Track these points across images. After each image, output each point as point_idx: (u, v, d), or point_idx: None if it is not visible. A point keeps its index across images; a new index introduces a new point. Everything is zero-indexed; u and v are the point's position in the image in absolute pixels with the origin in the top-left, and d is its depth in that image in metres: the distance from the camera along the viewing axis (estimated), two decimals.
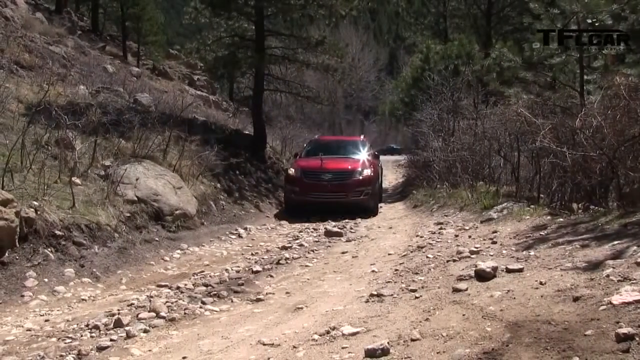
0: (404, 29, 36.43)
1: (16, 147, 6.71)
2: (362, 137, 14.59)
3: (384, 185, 20.79)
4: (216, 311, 4.42)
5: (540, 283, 3.42)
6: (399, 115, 25.02)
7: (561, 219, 5.54)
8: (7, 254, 5.14)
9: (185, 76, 31.06)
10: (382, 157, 32.58)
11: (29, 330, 4.02)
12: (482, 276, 3.86)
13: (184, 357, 3.28)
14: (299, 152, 13.57)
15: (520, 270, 3.85)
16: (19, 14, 18.91)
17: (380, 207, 12.69)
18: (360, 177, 11.25)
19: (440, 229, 7.43)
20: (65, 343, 3.65)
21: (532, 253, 4.36)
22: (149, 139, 9.86)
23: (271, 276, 5.70)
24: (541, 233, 5.16)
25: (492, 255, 4.69)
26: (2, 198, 5.10)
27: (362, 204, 11.14)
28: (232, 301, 4.73)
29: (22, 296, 4.85)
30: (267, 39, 17.09)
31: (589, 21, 9.05)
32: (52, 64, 13.36)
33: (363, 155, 12.37)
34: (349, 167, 11.58)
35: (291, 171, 11.79)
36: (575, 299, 2.97)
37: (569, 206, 6.25)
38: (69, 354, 3.42)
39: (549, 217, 5.84)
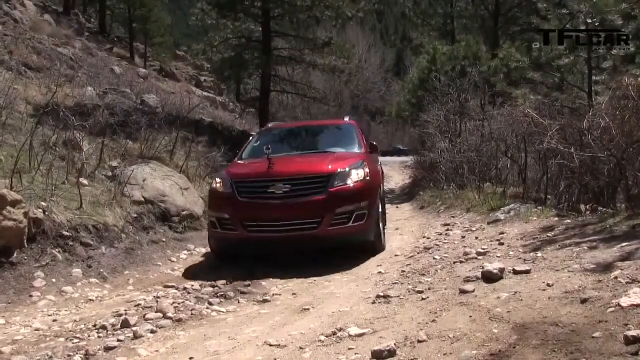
0: (411, 30, 36.39)
1: (25, 149, 6.75)
2: (347, 119, 8.63)
3: (390, 186, 20.72)
4: (223, 312, 4.42)
5: (548, 285, 3.41)
6: (406, 116, 24.97)
7: (569, 221, 5.51)
8: (15, 255, 5.17)
9: (192, 77, 31.19)
10: (389, 159, 32.30)
11: (37, 330, 4.04)
12: (489, 278, 3.85)
13: (191, 358, 3.29)
14: (240, 151, 7.83)
15: (527, 272, 3.84)
16: (28, 16, 19.04)
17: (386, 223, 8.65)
18: (349, 185, 6.08)
19: (447, 230, 7.41)
20: (73, 343, 3.66)
21: (539, 255, 4.35)
22: (156, 140, 9.91)
23: (278, 277, 5.70)
24: (549, 235, 5.14)
25: (499, 257, 4.67)
26: (11, 199, 5.13)
27: (355, 236, 6.12)
28: (238, 302, 4.73)
29: (31, 296, 4.87)
30: (274, 41, 17.14)
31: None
32: (60, 66, 13.47)
33: (352, 147, 7.46)
34: (326, 167, 6.24)
35: (216, 184, 6.50)
36: (583, 301, 2.96)
37: (576, 208, 6.22)
38: (77, 354, 3.44)
39: (556, 219, 5.81)
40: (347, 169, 6.23)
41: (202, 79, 31.51)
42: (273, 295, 4.87)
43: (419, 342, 2.89)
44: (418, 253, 6.02)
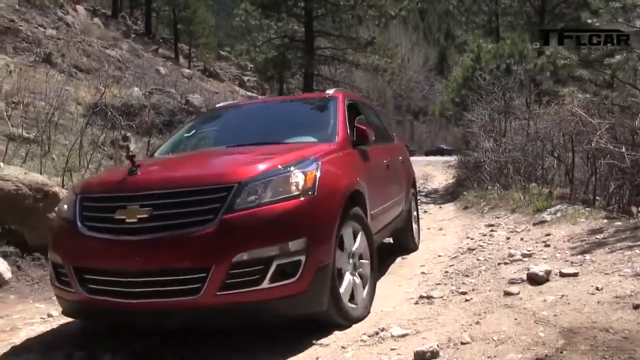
0: (454, 28, 35.91)
1: (75, 148, 6.98)
2: (331, 91, 5.20)
3: (433, 186, 20.51)
4: None
5: (597, 288, 3.31)
6: (449, 115, 24.64)
7: (619, 223, 5.34)
8: None
9: (236, 77, 31.62)
10: (432, 158, 31.81)
11: None
12: (535, 280, 3.76)
13: None
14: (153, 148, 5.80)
15: (575, 274, 3.74)
16: (79, 20, 19.69)
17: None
18: (269, 204, 3.10)
19: (491, 231, 7.28)
20: None
21: (587, 257, 4.23)
22: None
23: None
24: (597, 237, 4.99)
25: (545, 259, 4.57)
26: (63, 196, 5.30)
27: (276, 306, 3.08)
28: None
29: None
30: (317, 40, 17.22)
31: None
32: (108, 67, 13.87)
33: (322, 133, 4.42)
34: (226, 171, 3.32)
35: (63, 207, 3.59)
36: (636, 307, 2.86)
37: (627, 209, 6.03)
38: None
39: (605, 221, 5.64)
40: (271, 174, 3.27)
41: (245, 78, 31.89)
42: None
43: (462, 343, 2.86)
44: (461, 254, 5.95)
